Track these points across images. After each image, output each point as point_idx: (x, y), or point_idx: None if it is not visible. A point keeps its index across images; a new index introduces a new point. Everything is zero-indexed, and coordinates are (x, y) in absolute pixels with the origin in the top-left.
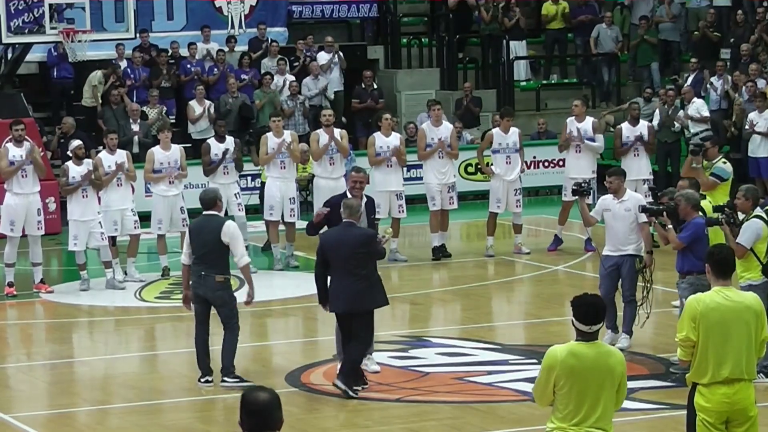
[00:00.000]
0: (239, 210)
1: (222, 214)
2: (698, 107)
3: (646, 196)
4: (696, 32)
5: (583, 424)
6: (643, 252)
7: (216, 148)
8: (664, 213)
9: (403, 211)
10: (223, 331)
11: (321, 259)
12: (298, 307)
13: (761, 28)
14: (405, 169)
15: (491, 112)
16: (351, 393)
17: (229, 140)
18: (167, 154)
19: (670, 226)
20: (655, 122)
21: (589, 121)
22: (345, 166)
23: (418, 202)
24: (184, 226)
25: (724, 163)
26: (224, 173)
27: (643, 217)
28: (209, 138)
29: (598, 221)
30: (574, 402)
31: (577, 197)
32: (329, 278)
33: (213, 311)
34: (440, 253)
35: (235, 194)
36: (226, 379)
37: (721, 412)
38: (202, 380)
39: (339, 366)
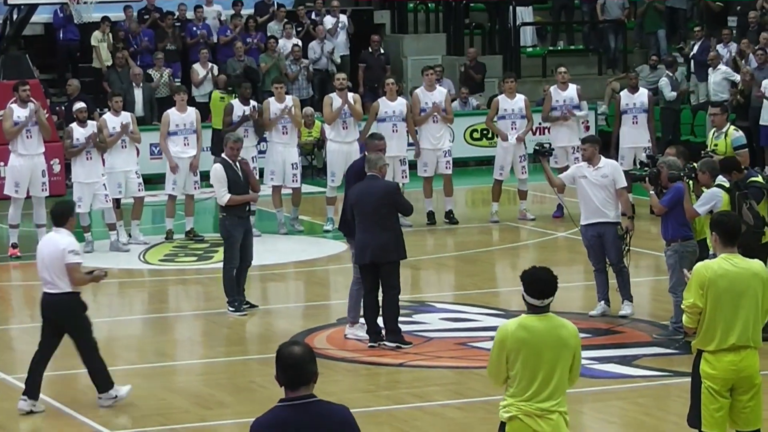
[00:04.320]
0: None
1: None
2: (727, 73)
3: (640, 163)
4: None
5: (534, 399)
6: (623, 217)
7: (239, 110)
8: (647, 179)
9: (406, 176)
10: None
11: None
12: (302, 271)
13: None
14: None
15: (497, 78)
16: (404, 346)
17: (253, 104)
18: (183, 116)
19: (653, 192)
20: (670, 94)
21: (573, 88)
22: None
23: (415, 168)
24: (196, 188)
25: (736, 130)
26: (244, 136)
27: (622, 183)
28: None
29: (566, 185)
30: (526, 377)
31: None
32: (357, 230)
33: None
34: (447, 218)
35: (252, 158)
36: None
37: (727, 379)
38: None
39: (366, 327)
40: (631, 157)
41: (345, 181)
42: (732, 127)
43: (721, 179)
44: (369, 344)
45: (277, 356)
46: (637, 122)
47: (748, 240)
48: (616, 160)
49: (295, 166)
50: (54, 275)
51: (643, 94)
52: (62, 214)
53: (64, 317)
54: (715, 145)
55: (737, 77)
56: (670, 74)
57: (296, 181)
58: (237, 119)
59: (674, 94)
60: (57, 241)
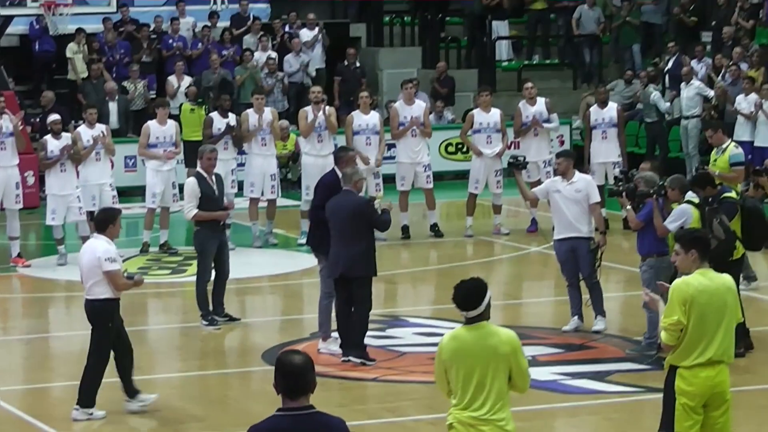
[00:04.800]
0: (231, 187)
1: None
2: (700, 88)
3: (615, 179)
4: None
5: (469, 408)
6: (596, 232)
7: (219, 122)
8: (623, 194)
9: (380, 190)
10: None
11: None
12: (277, 284)
13: (739, 13)
14: (386, 148)
15: (473, 92)
16: (368, 363)
17: (232, 116)
18: (163, 128)
19: (629, 207)
20: (664, 105)
21: (541, 102)
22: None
23: (391, 181)
24: (174, 201)
25: (736, 147)
26: (224, 148)
27: (595, 198)
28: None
29: (539, 199)
30: (460, 386)
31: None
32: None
33: None
34: (432, 231)
35: (232, 170)
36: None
37: (703, 395)
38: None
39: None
40: (601, 172)
41: (314, 194)
42: (733, 144)
43: (690, 195)
44: (342, 359)
45: (277, 364)
46: (606, 137)
47: (720, 255)
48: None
49: (273, 177)
50: (89, 281)
51: (612, 109)
52: (104, 220)
53: (93, 323)
54: (715, 161)
55: (710, 92)
56: (657, 87)
57: (275, 192)
58: (218, 132)
59: (668, 104)
60: (94, 249)
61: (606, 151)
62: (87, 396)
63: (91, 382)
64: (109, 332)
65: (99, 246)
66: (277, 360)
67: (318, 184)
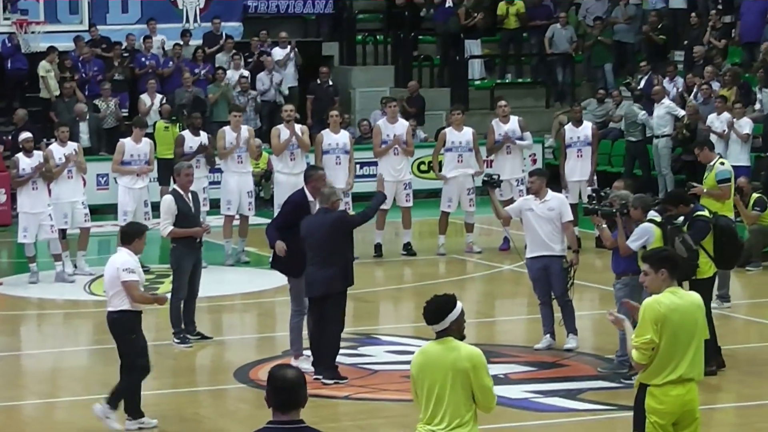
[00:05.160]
0: (204, 205)
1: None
2: (670, 107)
3: (589, 197)
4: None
5: (431, 423)
6: (568, 251)
7: (191, 140)
8: (598, 213)
9: (349, 208)
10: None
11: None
12: (249, 302)
13: (711, 32)
14: (358, 166)
15: (445, 111)
16: (341, 383)
17: (203, 135)
18: (137, 146)
19: (605, 226)
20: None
21: (514, 120)
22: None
23: (368, 199)
24: (146, 219)
25: (722, 164)
26: (196, 167)
27: (568, 216)
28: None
29: (512, 218)
30: (424, 400)
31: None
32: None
33: None
34: (405, 250)
35: (203, 188)
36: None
37: (673, 413)
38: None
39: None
40: (576, 191)
41: (279, 212)
42: (719, 160)
43: (652, 214)
44: (314, 377)
45: (269, 378)
46: (581, 155)
47: (684, 272)
48: (564, 193)
49: (250, 194)
50: (110, 293)
51: (587, 128)
52: (130, 234)
53: (114, 335)
54: (705, 178)
55: (680, 112)
56: (641, 107)
57: (252, 209)
58: (189, 150)
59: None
60: (115, 260)
61: (581, 169)
62: (132, 408)
63: (132, 395)
64: (133, 343)
65: (119, 257)
66: (270, 374)
67: (286, 201)
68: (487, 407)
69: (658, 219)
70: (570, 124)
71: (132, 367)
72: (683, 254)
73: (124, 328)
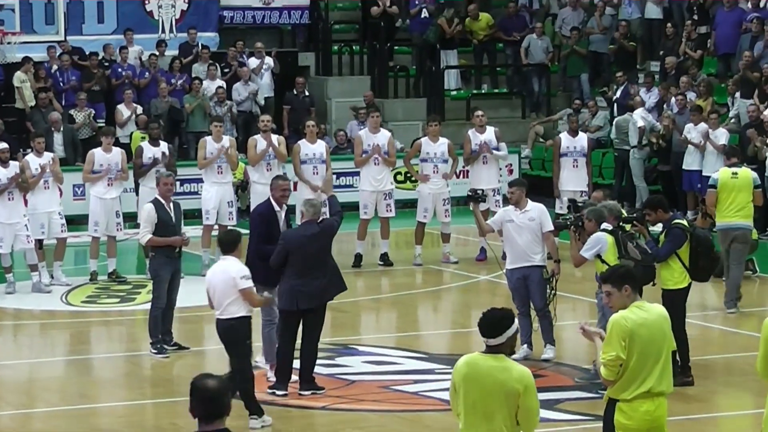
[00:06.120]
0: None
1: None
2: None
3: (568, 208)
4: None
5: None
6: (549, 261)
7: (150, 151)
8: (571, 225)
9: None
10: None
11: (283, 257)
12: None
13: (686, 43)
14: (335, 177)
15: (422, 121)
16: (318, 393)
17: (163, 145)
18: (108, 156)
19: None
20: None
21: (490, 130)
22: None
23: (348, 210)
24: (118, 230)
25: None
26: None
27: (549, 226)
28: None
29: (493, 231)
30: (466, 412)
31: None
32: (287, 277)
33: None
34: (382, 260)
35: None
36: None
37: (640, 429)
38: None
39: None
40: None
41: (252, 226)
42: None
43: (604, 225)
44: (268, 388)
45: (192, 388)
46: (577, 166)
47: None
48: (558, 203)
49: (231, 204)
50: (224, 301)
51: (582, 138)
52: (232, 242)
53: (229, 341)
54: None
55: (655, 123)
56: (632, 116)
57: (232, 218)
58: (148, 161)
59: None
60: (227, 269)
61: (576, 179)
62: (253, 407)
63: (249, 397)
64: (246, 349)
65: (233, 266)
66: (192, 384)
67: (252, 214)
68: (529, 429)
69: (610, 228)
70: (566, 133)
71: (246, 373)
72: (637, 257)
73: (243, 333)
